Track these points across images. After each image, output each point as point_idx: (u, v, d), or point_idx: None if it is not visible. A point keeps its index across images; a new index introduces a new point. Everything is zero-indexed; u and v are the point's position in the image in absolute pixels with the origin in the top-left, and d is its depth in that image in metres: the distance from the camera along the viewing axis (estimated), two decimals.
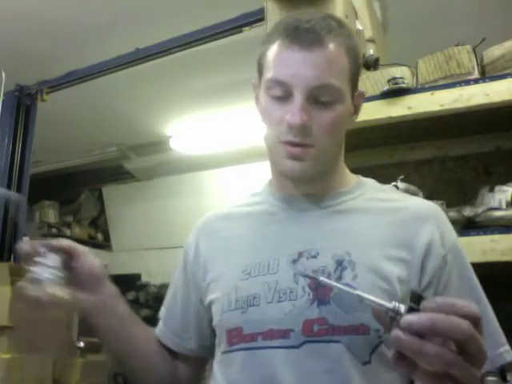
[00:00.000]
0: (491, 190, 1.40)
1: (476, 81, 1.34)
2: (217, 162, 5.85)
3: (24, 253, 0.72)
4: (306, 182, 0.82)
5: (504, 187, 1.37)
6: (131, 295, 6.52)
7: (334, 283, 0.59)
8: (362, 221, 0.79)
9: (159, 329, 0.94)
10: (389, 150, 1.72)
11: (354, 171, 0.92)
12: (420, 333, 0.47)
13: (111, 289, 0.84)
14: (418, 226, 0.78)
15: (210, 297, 0.84)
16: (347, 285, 0.70)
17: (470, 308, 0.49)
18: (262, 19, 1.85)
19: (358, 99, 0.83)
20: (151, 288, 6.33)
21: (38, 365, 3.19)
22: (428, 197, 1.26)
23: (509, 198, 1.34)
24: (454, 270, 0.77)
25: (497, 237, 1.26)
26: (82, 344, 4.52)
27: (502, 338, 0.78)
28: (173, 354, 0.92)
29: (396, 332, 0.48)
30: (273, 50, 0.77)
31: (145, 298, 6.33)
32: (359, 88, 0.84)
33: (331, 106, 0.75)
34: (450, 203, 1.42)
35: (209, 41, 2.98)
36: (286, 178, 0.83)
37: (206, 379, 0.89)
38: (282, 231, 0.81)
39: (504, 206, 1.33)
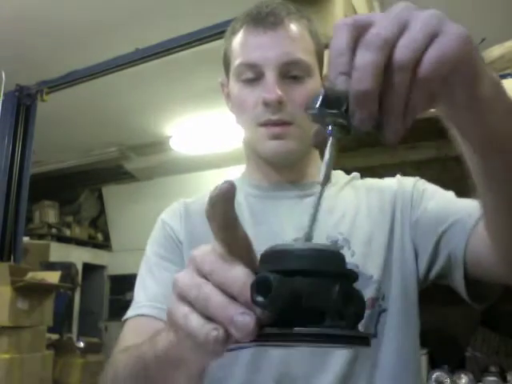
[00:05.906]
0: None
1: None
2: (217, 162, 5.85)
3: None
4: (289, 166, 0.81)
5: None
6: (131, 295, 6.50)
7: None
8: (344, 201, 0.82)
9: (151, 310, 0.78)
10: (389, 150, 1.72)
11: (355, 171, 0.92)
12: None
13: None
14: (384, 193, 0.82)
15: None
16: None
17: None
18: None
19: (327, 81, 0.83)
20: None
21: (38, 365, 3.18)
22: None
23: None
24: (423, 193, 0.79)
25: None
26: (82, 344, 4.53)
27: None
28: None
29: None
30: (238, 38, 0.78)
31: None
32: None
33: (302, 80, 0.76)
34: None
35: (209, 41, 2.98)
36: (269, 163, 0.81)
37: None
38: (274, 220, 0.79)
39: None
